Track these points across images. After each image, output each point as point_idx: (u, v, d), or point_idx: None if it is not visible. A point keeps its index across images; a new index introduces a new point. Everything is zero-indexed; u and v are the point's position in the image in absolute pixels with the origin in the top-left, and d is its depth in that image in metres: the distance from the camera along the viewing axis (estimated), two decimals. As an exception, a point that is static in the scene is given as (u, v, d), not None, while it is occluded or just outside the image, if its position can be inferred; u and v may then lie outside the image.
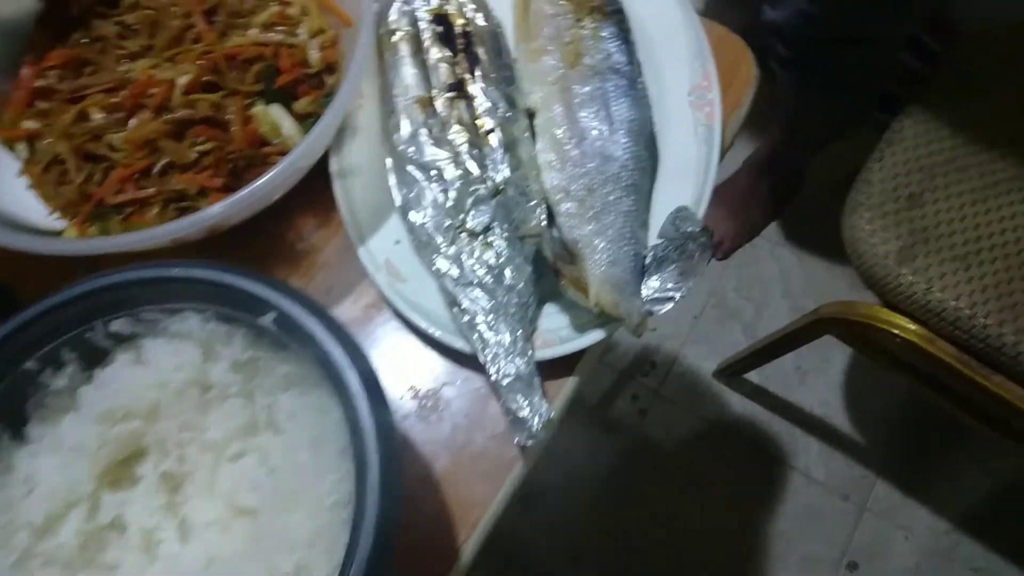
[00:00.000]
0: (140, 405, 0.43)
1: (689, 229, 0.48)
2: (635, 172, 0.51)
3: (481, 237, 0.49)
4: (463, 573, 0.46)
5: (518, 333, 0.46)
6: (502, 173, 0.50)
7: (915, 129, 0.91)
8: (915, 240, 0.84)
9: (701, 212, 0.51)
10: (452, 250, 0.48)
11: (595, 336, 0.48)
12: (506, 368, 0.45)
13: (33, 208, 0.52)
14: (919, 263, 0.83)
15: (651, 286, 0.48)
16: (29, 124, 0.52)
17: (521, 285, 0.48)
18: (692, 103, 0.55)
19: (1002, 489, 1.22)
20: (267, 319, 0.41)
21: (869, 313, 0.88)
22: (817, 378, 1.30)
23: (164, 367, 0.43)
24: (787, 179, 1.36)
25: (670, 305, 0.48)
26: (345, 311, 0.54)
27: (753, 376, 1.30)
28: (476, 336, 0.47)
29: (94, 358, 0.44)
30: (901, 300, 0.84)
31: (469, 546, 0.46)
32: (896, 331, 0.86)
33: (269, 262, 0.56)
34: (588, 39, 0.54)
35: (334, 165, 0.54)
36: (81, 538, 0.41)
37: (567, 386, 0.50)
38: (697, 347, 1.34)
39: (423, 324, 0.49)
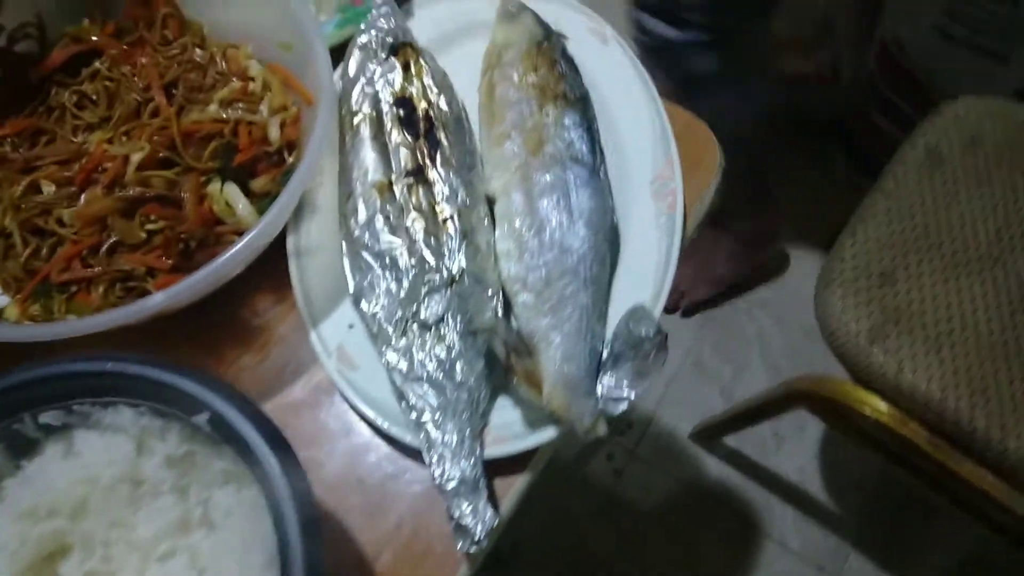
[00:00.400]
0: (67, 501, 0.41)
1: (643, 331, 0.47)
2: (594, 264, 0.50)
3: (433, 329, 0.48)
4: None
5: (466, 432, 0.45)
6: (458, 262, 0.49)
7: (887, 204, 0.91)
8: (887, 319, 0.84)
9: (659, 306, 0.50)
10: (403, 343, 0.47)
11: (548, 434, 0.47)
12: (451, 471, 0.44)
13: (-25, 283, 0.50)
14: (891, 343, 0.83)
15: (605, 383, 0.47)
16: (-24, 196, 0.51)
17: (472, 381, 0.46)
18: (654, 192, 0.55)
19: (974, 565, 1.21)
20: (201, 418, 0.40)
21: (840, 390, 0.87)
22: (794, 445, 1.29)
23: (95, 461, 0.42)
24: (756, 224, 1.35)
25: (624, 405, 0.46)
26: (296, 392, 0.53)
27: (730, 439, 1.29)
28: (423, 434, 0.45)
29: (22, 449, 0.42)
30: (872, 379, 0.83)
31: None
32: (867, 410, 0.85)
33: (221, 339, 0.55)
34: (550, 127, 0.54)
35: (291, 244, 0.54)
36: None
37: (518, 483, 0.48)
38: (674, 408, 1.33)
39: (371, 415, 0.48)
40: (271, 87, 0.56)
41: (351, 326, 0.51)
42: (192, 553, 0.41)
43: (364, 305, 0.49)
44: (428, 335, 0.47)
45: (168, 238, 0.50)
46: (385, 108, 0.54)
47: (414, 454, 0.49)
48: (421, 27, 0.62)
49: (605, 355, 0.49)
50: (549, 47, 0.58)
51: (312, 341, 0.51)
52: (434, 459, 0.44)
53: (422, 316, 0.48)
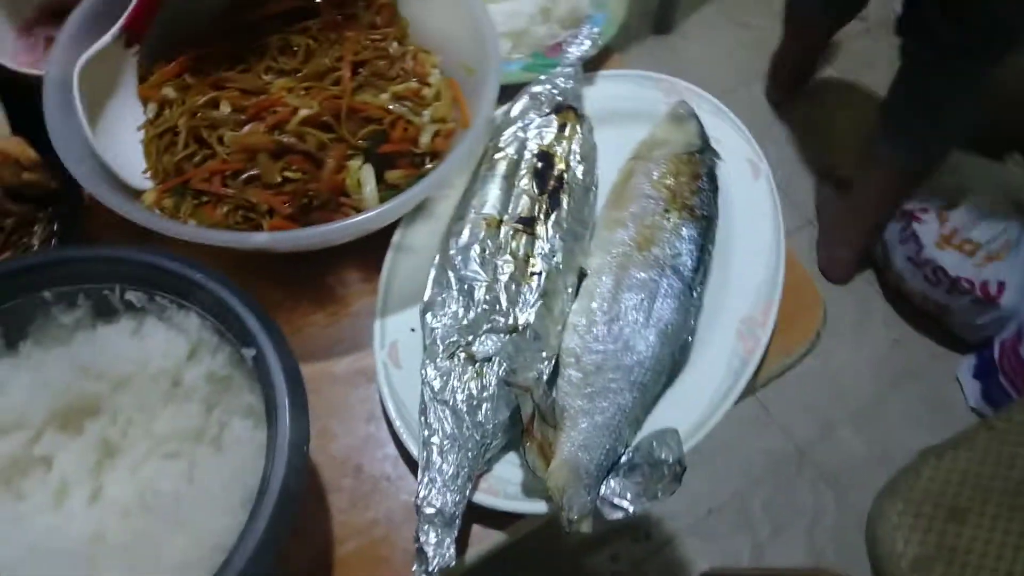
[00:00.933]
0: (116, 372, 0.46)
1: (665, 455, 0.47)
2: (648, 372, 0.51)
3: (478, 365, 0.50)
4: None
5: (464, 469, 0.47)
6: (526, 315, 0.51)
7: (990, 443, 0.85)
8: (938, 556, 0.79)
9: (695, 440, 0.50)
10: (445, 364, 0.50)
11: (537, 507, 0.48)
12: (434, 498, 0.45)
13: (133, 161, 0.58)
14: (931, 579, 0.77)
15: (611, 486, 0.48)
16: (168, 91, 0.58)
17: (490, 426, 0.48)
18: (739, 331, 0.55)
19: None
20: (250, 352, 0.44)
21: (862, 601, 0.82)
22: (800, 633, 1.21)
23: (153, 349, 0.47)
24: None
25: (619, 515, 0.47)
26: (341, 365, 0.56)
27: (739, 597, 1.23)
28: (425, 453, 0.47)
29: (103, 314, 0.48)
30: (897, 605, 0.78)
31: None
32: (881, 634, 0.79)
33: (303, 294, 0.59)
34: (666, 232, 0.55)
35: (396, 237, 0.58)
36: (11, 459, 0.45)
37: (491, 540, 0.49)
38: (698, 541, 1.28)
39: (393, 414, 0.50)
40: (441, 98, 0.61)
41: (412, 330, 0.54)
42: (192, 462, 0.45)
43: (429, 317, 0.52)
44: (471, 368, 0.49)
45: (298, 190, 0.55)
46: (527, 156, 0.58)
47: (415, 470, 0.51)
48: (594, 95, 0.65)
49: (623, 460, 0.49)
50: (699, 160, 0.60)
51: (374, 328, 0.54)
52: (424, 480, 0.46)
53: (473, 348, 0.50)
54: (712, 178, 0.59)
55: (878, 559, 0.80)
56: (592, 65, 0.68)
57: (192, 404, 0.46)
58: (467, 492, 0.47)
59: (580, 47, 0.66)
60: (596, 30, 0.67)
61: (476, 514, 0.48)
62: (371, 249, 0.58)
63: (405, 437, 0.50)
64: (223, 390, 0.47)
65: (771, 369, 0.56)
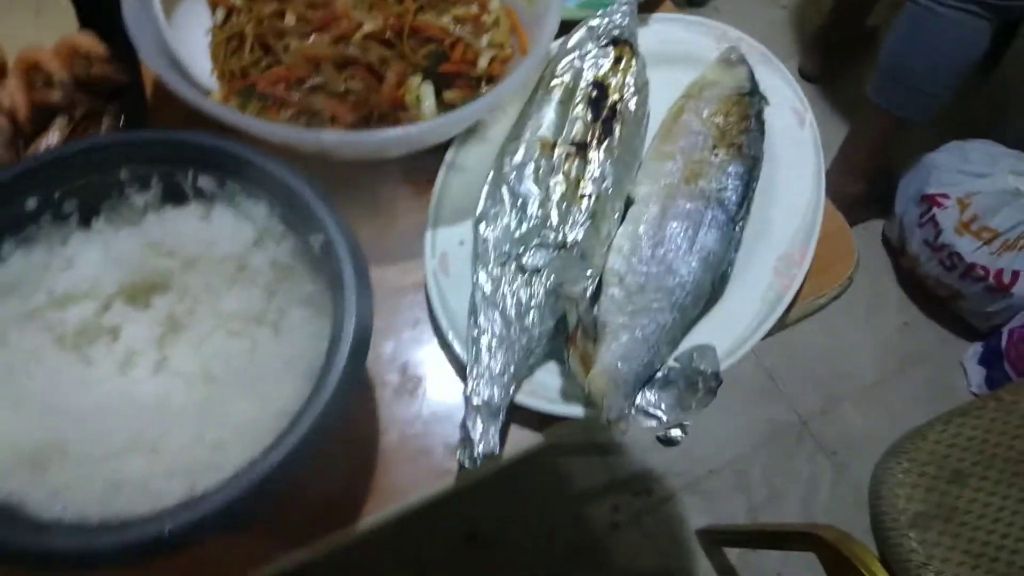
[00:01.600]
0: (185, 252, 0.48)
1: (704, 367, 0.49)
2: (689, 295, 0.53)
3: (528, 275, 0.52)
4: (353, 538, 0.49)
5: (511, 368, 0.49)
6: (575, 234, 0.53)
7: (997, 413, 0.88)
8: (938, 514, 0.81)
9: (729, 362, 0.52)
10: (496, 271, 0.52)
11: (575, 411, 0.50)
12: (482, 390, 0.48)
13: (200, 62, 0.59)
14: (929, 536, 0.80)
15: (647, 398, 0.50)
16: (236, -1, 0.60)
17: (536, 331, 0.50)
18: (776, 268, 0.57)
19: None
20: (317, 239, 0.46)
21: (860, 556, 0.85)
22: (791, 593, 1.25)
23: (221, 233, 0.49)
24: None
25: (652, 423, 0.49)
26: (390, 274, 0.58)
27: (732, 555, 1.27)
28: (475, 351, 0.50)
29: (174, 196, 0.50)
30: (895, 560, 0.81)
31: (367, 521, 0.49)
32: (876, 587, 0.82)
33: (357, 204, 0.61)
34: (714, 166, 0.57)
35: (449, 156, 0.60)
36: (81, 325, 0.47)
37: (529, 440, 0.52)
38: (696, 499, 1.32)
39: (442, 319, 0.53)
40: (499, 25, 0.62)
41: (461, 243, 0.56)
42: (254, 342, 0.47)
43: (482, 227, 0.54)
44: (521, 277, 0.52)
45: (360, 100, 0.56)
46: (583, 84, 0.59)
47: (460, 369, 0.53)
48: (647, 36, 0.66)
49: (659, 375, 0.51)
50: (748, 102, 0.61)
51: (425, 239, 0.56)
52: (474, 374, 0.49)
53: (524, 260, 0.52)
54: (760, 120, 0.61)
55: (879, 515, 0.83)
56: (645, 8, 0.69)
57: (255, 288, 0.49)
58: (512, 390, 0.49)
59: (637, -15, 0.67)
60: (655, -29, 0.69)
61: (517, 416, 0.51)
62: (423, 169, 0.60)
63: (452, 338, 0.52)
64: (285, 278, 0.49)
65: (803, 307, 0.58)
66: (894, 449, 0.86)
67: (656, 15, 0.69)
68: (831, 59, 1.81)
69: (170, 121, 0.57)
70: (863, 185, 1.55)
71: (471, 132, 0.61)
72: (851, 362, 1.46)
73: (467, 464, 0.47)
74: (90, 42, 0.59)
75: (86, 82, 0.59)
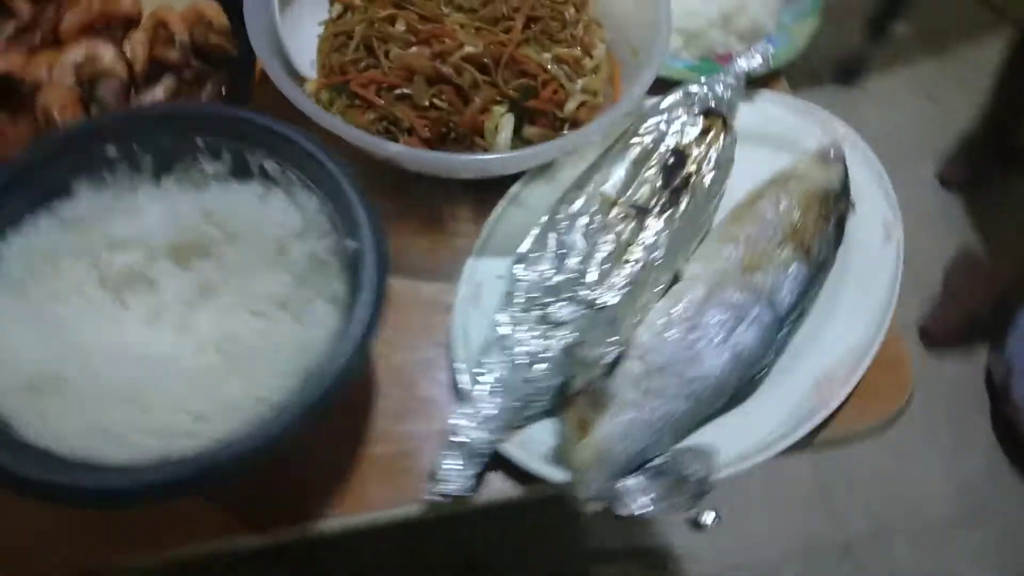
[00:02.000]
0: (232, 225, 0.50)
1: (694, 470, 0.47)
2: (709, 390, 0.51)
3: (549, 327, 0.51)
4: (311, 536, 0.49)
5: (504, 415, 0.48)
6: (610, 297, 0.52)
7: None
8: None
9: (730, 471, 0.50)
10: (519, 315, 0.51)
11: (557, 475, 0.49)
12: (467, 430, 0.47)
13: (306, 50, 0.62)
14: None
15: (631, 483, 0.48)
16: (356, -1, 0.63)
17: (541, 385, 0.50)
18: (817, 382, 0.54)
19: None
20: (353, 244, 0.47)
21: None
22: None
23: (272, 216, 0.51)
24: None
25: (624, 511, 0.47)
26: (424, 289, 0.59)
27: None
28: (473, 388, 0.49)
29: (239, 172, 0.52)
30: None
31: (331, 523, 0.49)
32: None
33: (414, 216, 0.62)
34: (775, 264, 0.55)
35: (514, 189, 0.60)
36: (127, 270, 0.50)
37: (506, 491, 0.51)
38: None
39: (458, 347, 0.53)
40: (598, 72, 0.62)
41: (499, 277, 0.56)
42: (271, 324, 0.49)
43: (520, 268, 0.54)
44: (541, 327, 0.51)
45: (441, 118, 0.57)
46: (662, 148, 0.58)
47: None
48: (749, 113, 0.65)
49: (654, 463, 0.49)
50: (832, 204, 0.58)
51: (466, 264, 0.56)
52: (464, 412, 0.48)
53: (549, 310, 0.51)
54: (840, 226, 0.58)
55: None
56: (757, 83, 0.67)
57: (288, 275, 0.50)
58: (499, 436, 0.48)
59: (750, 61, 0.65)
60: (771, 49, 0.66)
61: (501, 465, 0.50)
62: (487, 197, 0.60)
63: (460, 368, 0.52)
64: (318, 271, 0.50)
65: (834, 433, 0.55)
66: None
67: (766, 92, 0.67)
68: (976, 168, 1.70)
69: (270, 101, 0.59)
70: (977, 307, 1.44)
71: (542, 171, 0.61)
72: (916, 496, 1.36)
73: (436, 498, 0.47)
74: (215, 12, 0.63)
75: (202, 48, 0.63)
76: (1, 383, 0.42)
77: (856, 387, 0.54)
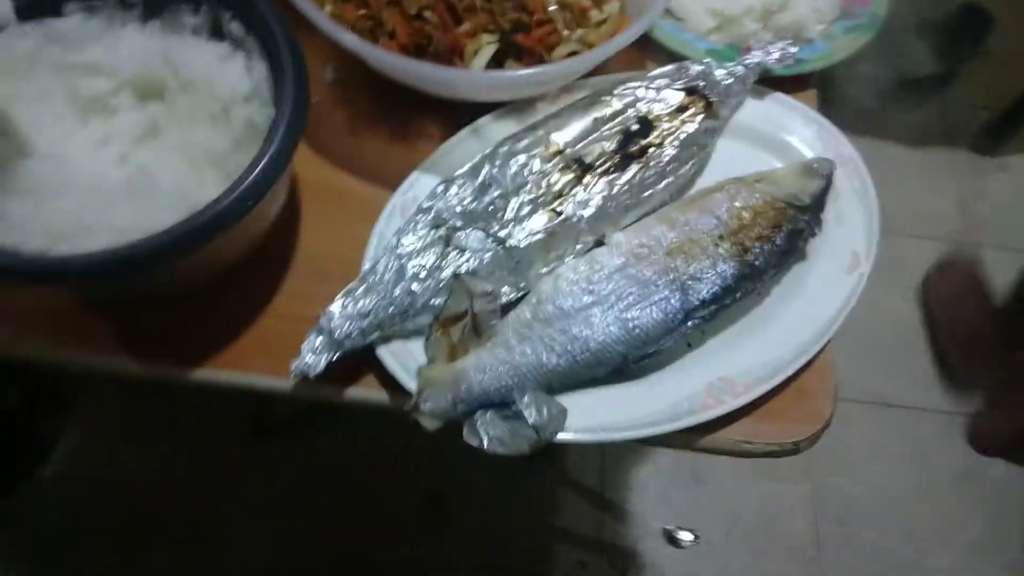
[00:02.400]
0: (190, 75, 0.53)
1: (533, 417, 0.47)
2: (587, 355, 0.50)
3: (450, 249, 0.51)
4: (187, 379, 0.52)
5: (376, 317, 0.49)
6: (519, 239, 0.52)
7: None
8: None
9: (593, 439, 0.49)
10: (424, 231, 0.52)
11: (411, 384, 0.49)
12: (336, 320, 0.48)
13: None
14: None
15: (485, 418, 0.48)
16: None
17: (420, 302, 0.50)
18: (710, 384, 0.52)
19: None
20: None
21: None
22: None
23: (226, 77, 0.53)
24: None
25: (474, 442, 0.47)
26: (369, 190, 0.60)
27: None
28: (356, 283, 0.50)
29: (214, 32, 0.55)
30: None
31: (206, 372, 0.52)
32: None
33: (387, 119, 0.63)
34: (704, 257, 0.52)
35: (481, 120, 0.60)
36: (95, 94, 0.54)
37: (370, 394, 0.52)
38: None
39: (374, 247, 0.54)
40: (602, 28, 0.61)
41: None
42: (203, 178, 0.51)
43: (441, 187, 0.54)
44: (441, 247, 0.51)
45: (423, 29, 0.58)
46: (631, 112, 0.56)
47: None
48: (753, 109, 0.62)
49: (513, 408, 0.49)
50: (795, 217, 0.55)
51: (409, 176, 0.57)
52: (339, 301, 0.49)
53: (457, 234, 0.51)
54: (791, 240, 0.54)
55: None
56: (782, 85, 0.64)
57: (228, 137, 0.53)
58: (365, 337, 0.49)
59: (766, 56, 0.62)
60: (793, 51, 0.63)
61: (376, 370, 0.51)
62: (456, 116, 0.60)
63: (366, 267, 0.53)
64: (253, 140, 0.52)
65: (717, 440, 0.52)
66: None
67: (779, 95, 0.63)
68: None
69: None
70: None
71: (512, 110, 0.60)
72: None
73: (291, 371, 0.48)
74: None
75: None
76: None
77: (757, 404, 0.52)
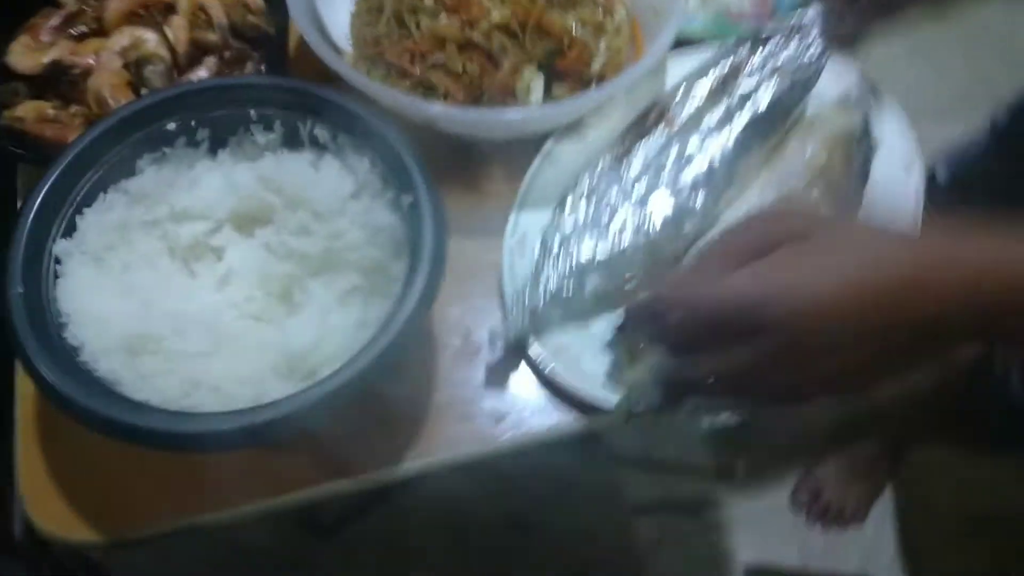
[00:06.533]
0: (290, 192, 0.53)
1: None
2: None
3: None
4: (385, 481, 0.53)
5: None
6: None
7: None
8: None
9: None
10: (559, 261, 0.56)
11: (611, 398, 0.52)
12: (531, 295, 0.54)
13: (341, 27, 0.65)
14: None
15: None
16: (384, -25, 0.65)
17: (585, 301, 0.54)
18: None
19: None
20: (407, 199, 0.50)
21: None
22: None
23: (326, 184, 0.53)
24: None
25: (699, 416, 0.50)
26: (470, 248, 0.60)
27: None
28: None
29: (291, 142, 0.55)
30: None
31: (404, 467, 0.53)
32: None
33: (456, 179, 0.65)
34: (804, 202, 0.58)
35: (547, 146, 0.62)
36: (192, 241, 0.53)
37: (568, 423, 0.54)
38: (748, 535, 1.28)
39: (508, 291, 0.56)
40: (620, 32, 0.65)
41: (540, 229, 0.59)
42: (328, 286, 0.52)
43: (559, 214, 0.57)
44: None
45: (473, 82, 0.60)
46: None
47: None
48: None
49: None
50: (856, 146, 0.61)
51: (509, 219, 0.59)
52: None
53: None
54: (865, 165, 0.60)
55: None
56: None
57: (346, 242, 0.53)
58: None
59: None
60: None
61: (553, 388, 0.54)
62: (520, 158, 0.63)
63: (508, 291, 0.56)
64: (378, 234, 0.52)
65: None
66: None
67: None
68: None
69: (306, 76, 0.62)
70: None
71: (570, 130, 0.63)
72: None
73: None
74: (251, -7, 0.66)
75: (240, 29, 0.66)
76: (102, 346, 0.45)
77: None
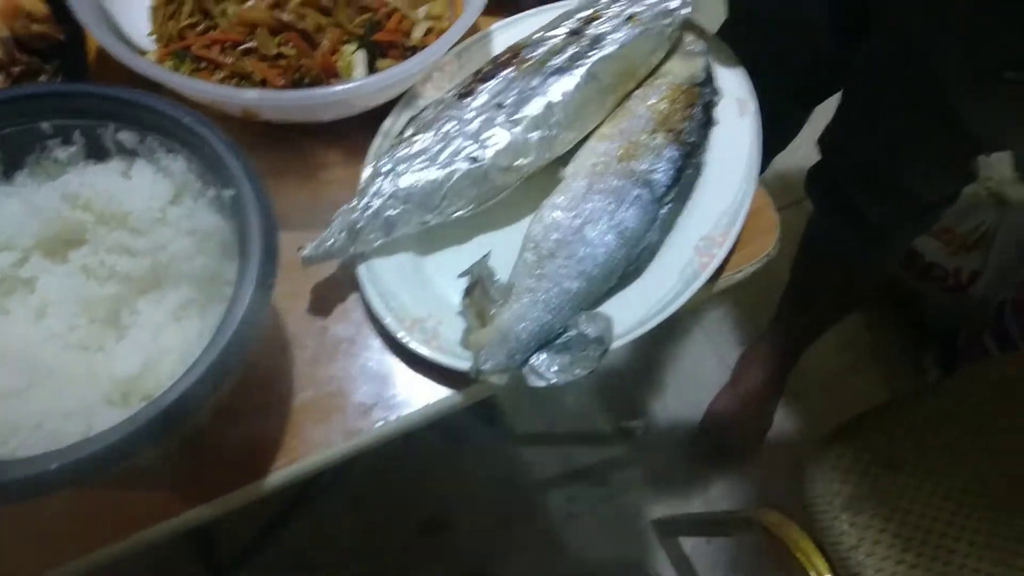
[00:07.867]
0: (101, 206, 0.48)
1: (590, 333, 0.51)
2: (598, 268, 0.54)
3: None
4: (260, 494, 0.49)
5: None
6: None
7: (941, 404, 0.89)
8: (870, 497, 0.83)
9: (630, 336, 0.53)
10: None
11: (462, 363, 0.51)
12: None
13: (140, 24, 0.60)
14: (861, 519, 0.81)
15: (541, 359, 0.51)
16: (178, -36, 0.61)
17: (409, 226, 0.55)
18: (698, 247, 0.58)
19: None
20: (228, 193, 0.47)
21: (795, 540, 0.85)
22: (742, 581, 1.26)
23: (140, 192, 0.49)
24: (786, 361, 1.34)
25: (540, 383, 0.50)
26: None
27: (687, 544, 1.28)
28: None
29: (95, 152, 0.50)
30: (827, 542, 0.82)
31: (277, 476, 0.50)
32: (810, 570, 0.83)
33: (287, 169, 0.62)
34: (649, 149, 0.58)
35: (386, 124, 0.60)
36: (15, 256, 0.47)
37: (441, 397, 0.53)
38: (654, 491, 1.33)
39: (366, 282, 0.54)
40: (439, -1, 0.63)
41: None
42: (158, 303, 0.48)
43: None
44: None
45: (291, 64, 0.57)
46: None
47: (378, 332, 0.54)
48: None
49: (560, 339, 0.52)
50: (698, 92, 0.62)
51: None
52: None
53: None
54: (707, 111, 0.62)
55: (811, 497, 0.84)
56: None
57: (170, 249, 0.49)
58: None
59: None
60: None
61: (428, 370, 0.53)
62: (353, 137, 0.61)
63: (372, 296, 0.53)
64: (205, 239, 0.49)
65: (720, 283, 0.60)
66: (839, 429, 0.88)
67: None
68: None
69: (112, 82, 0.57)
70: None
71: (402, 102, 0.61)
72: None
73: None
74: (32, 1, 0.60)
75: (27, 40, 0.60)
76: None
77: (734, 243, 0.59)
